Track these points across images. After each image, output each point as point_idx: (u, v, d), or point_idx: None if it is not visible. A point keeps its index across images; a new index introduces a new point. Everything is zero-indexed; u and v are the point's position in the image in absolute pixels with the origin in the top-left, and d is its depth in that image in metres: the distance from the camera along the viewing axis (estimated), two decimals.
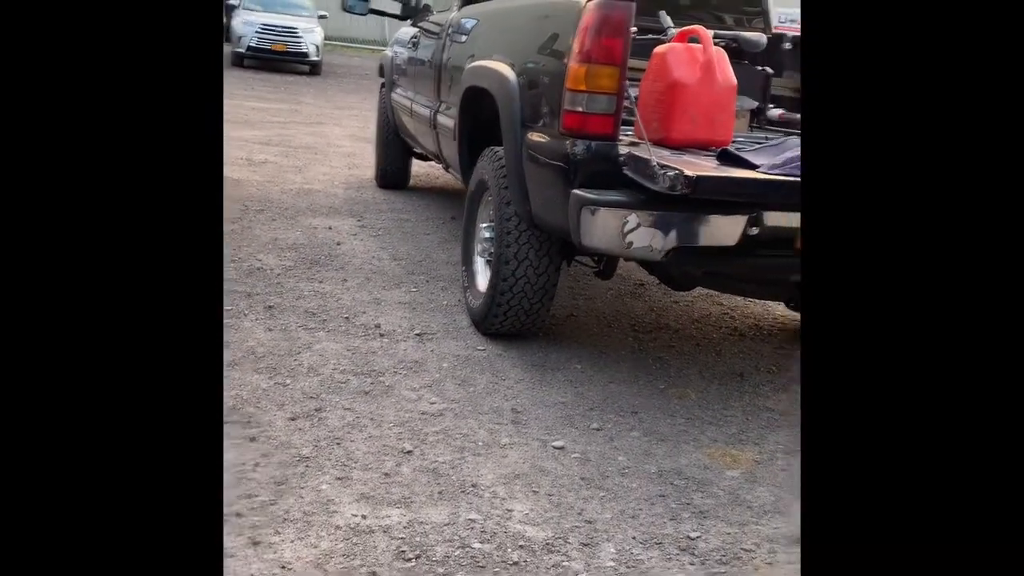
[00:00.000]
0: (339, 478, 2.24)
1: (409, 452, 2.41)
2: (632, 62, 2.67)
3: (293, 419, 2.53)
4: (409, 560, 1.94)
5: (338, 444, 2.41)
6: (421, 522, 2.08)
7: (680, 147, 2.78)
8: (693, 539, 2.12)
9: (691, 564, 2.02)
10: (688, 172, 2.21)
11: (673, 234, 2.50)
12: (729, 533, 2.16)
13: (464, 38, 3.89)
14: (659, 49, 2.79)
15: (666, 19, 3.25)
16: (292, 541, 1.95)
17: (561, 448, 2.52)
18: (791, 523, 2.18)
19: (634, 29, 2.55)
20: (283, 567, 1.87)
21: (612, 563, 2.00)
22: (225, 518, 1.97)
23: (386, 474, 2.28)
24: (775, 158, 2.61)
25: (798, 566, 1.82)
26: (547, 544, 2.05)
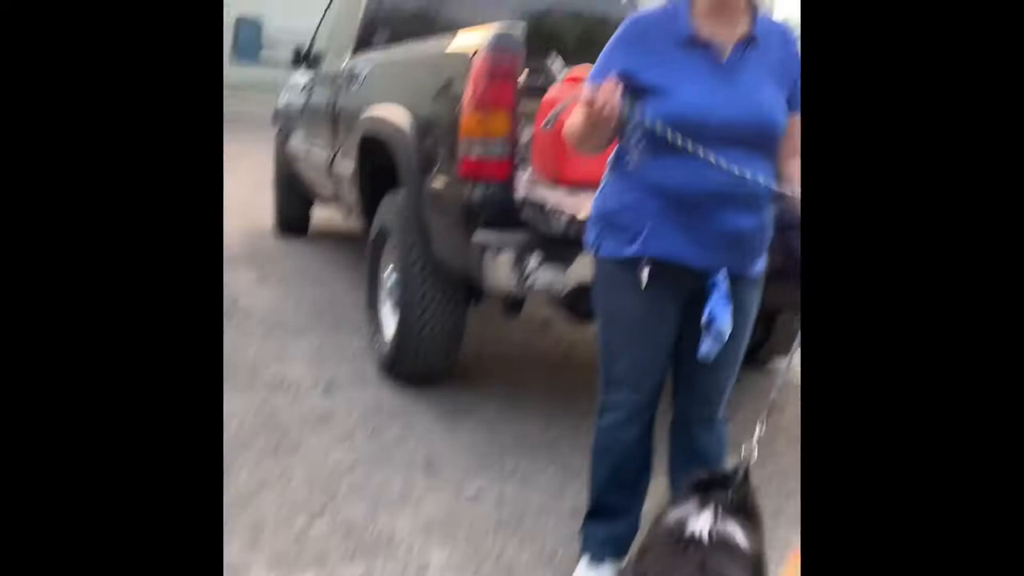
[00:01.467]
0: (249, 542, 2.16)
1: (321, 509, 2.35)
2: (527, 105, 2.74)
3: None
4: None
5: (246, 506, 2.33)
6: None
7: (577, 186, 2.85)
8: None
9: None
10: (579, 215, 2.27)
11: (574, 272, 2.55)
12: None
13: (359, 86, 3.90)
14: (550, 92, 2.87)
15: (556, 62, 3.35)
16: None
17: (476, 493, 2.51)
18: None
19: (523, 75, 2.61)
20: None
21: None
22: None
23: (298, 534, 2.22)
24: None
25: None
26: None
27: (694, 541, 1.52)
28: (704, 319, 1.79)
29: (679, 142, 1.69)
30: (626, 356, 1.91)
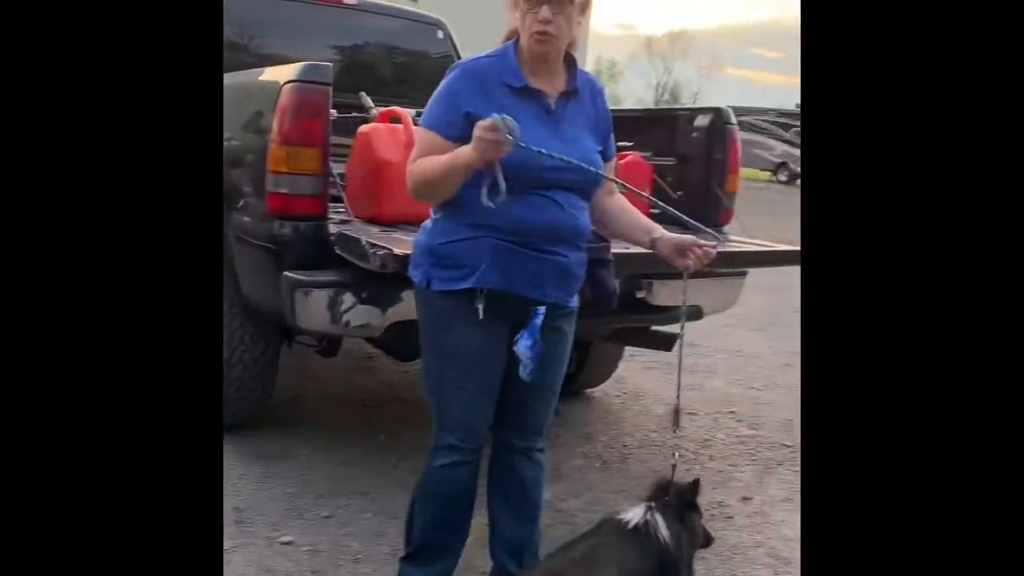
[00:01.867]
0: None
1: None
2: (339, 139, 2.68)
3: None
4: None
5: None
6: None
7: (391, 223, 2.82)
8: None
9: None
10: (396, 250, 2.24)
11: (391, 310, 2.51)
12: None
13: None
14: (363, 129, 2.83)
15: (366, 99, 3.32)
16: None
17: (290, 543, 2.39)
18: None
19: (334, 112, 2.57)
20: None
21: None
22: None
23: None
24: None
25: None
26: None
27: (619, 526, 1.81)
28: (516, 348, 1.85)
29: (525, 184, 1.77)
30: (462, 393, 1.90)
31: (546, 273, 1.84)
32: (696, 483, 1.93)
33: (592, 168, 1.84)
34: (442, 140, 1.80)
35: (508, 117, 1.66)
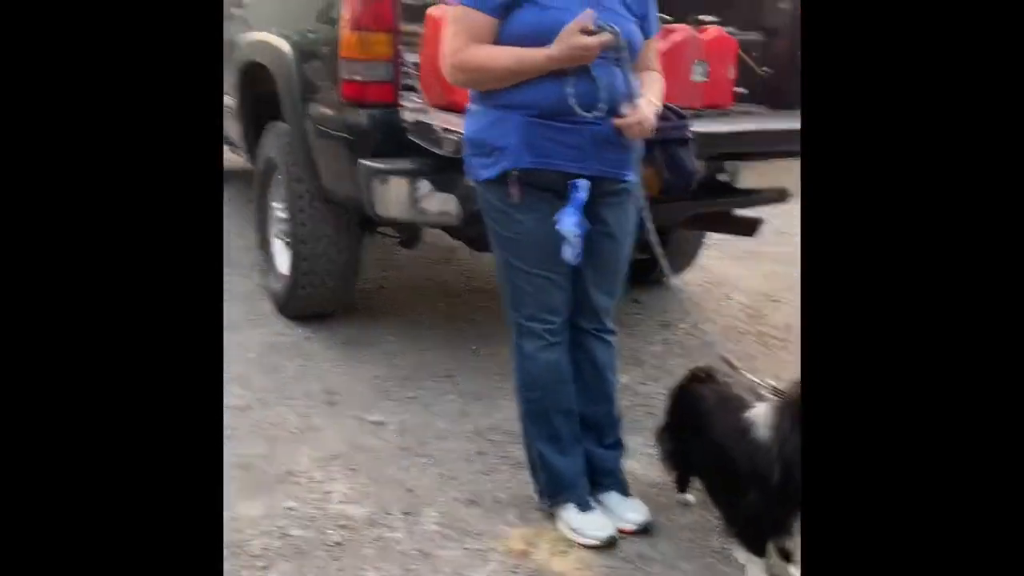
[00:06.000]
0: None
1: None
2: (411, 27, 2.64)
3: None
4: (225, 559, 1.86)
5: None
6: (235, 519, 2.00)
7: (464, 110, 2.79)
8: (513, 491, 2.18)
9: (512, 515, 2.08)
10: None
11: (466, 197, 2.52)
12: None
13: (237, 11, 3.68)
14: (432, 11, 2.77)
15: None
16: None
17: (378, 422, 2.51)
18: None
19: None
20: None
21: (436, 527, 2.03)
22: None
23: None
24: None
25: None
26: (369, 519, 2.04)
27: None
28: (557, 224, 1.81)
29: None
30: (530, 278, 1.90)
31: (584, 144, 1.79)
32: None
33: (631, 39, 1.81)
34: (485, 18, 1.76)
35: (609, 24, 1.68)
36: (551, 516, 2.03)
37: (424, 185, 2.50)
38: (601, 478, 2.07)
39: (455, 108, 2.78)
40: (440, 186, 2.52)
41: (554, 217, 1.81)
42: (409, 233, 3.19)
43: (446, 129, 2.41)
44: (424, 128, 2.49)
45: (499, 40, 1.78)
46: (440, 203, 2.53)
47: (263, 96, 3.24)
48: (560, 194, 1.83)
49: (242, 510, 2.04)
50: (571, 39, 1.69)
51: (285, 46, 2.95)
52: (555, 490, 2.02)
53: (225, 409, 2.52)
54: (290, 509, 2.05)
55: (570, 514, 1.99)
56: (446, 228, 3.10)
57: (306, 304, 3.14)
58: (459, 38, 1.79)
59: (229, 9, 3.80)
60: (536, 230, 1.85)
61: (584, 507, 1.99)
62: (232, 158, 6.12)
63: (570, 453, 2.00)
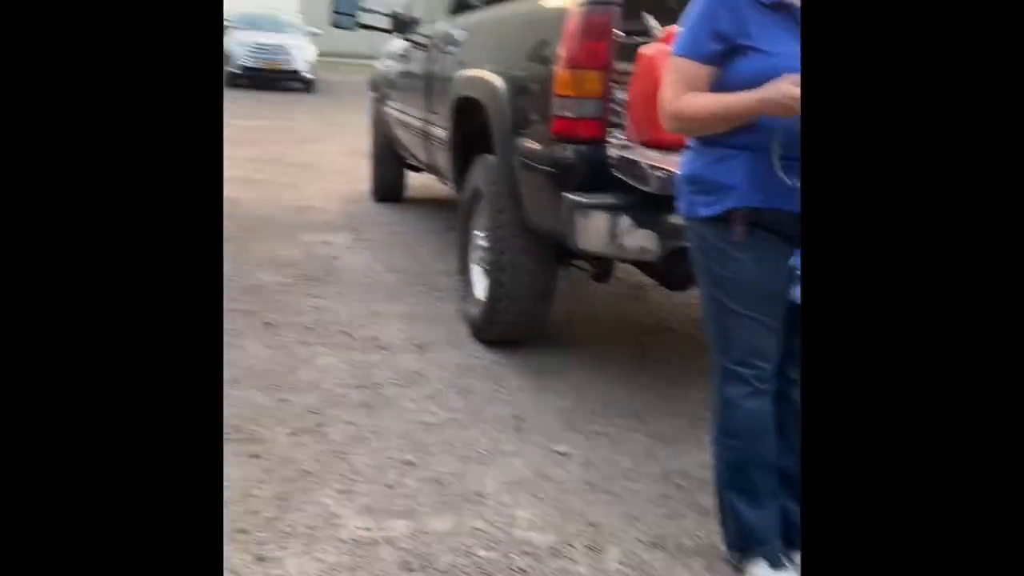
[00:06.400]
0: (342, 491, 2.23)
1: (412, 463, 2.40)
2: (621, 65, 2.68)
3: (294, 434, 2.53)
4: (414, 570, 1.93)
5: (340, 458, 2.41)
6: (425, 532, 2.07)
7: (671, 148, 2.78)
8: (699, 539, 2.11)
9: (697, 564, 2.02)
10: (676, 172, 2.21)
11: (668, 234, 2.50)
12: None
13: (453, 48, 3.90)
14: (644, 50, 2.79)
15: (650, 20, 3.25)
16: (297, 555, 1.95)
17: (564, 453, 2.52)
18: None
19: (619, 33, 2.56)
20: None
21: (618, 565, 2.00)
22: (230, 535, 1.97)
23: (389, 486, 2.28)
24: None
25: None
26: (552, 549, 2.04)
27: None
28: (792, 263, 1.78)
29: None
30: (744, 321, 1.84)
31: (794, 187, 1.73)
32: None
33: None
34: (698, 67, 1.77)
35: None
36: (739, 570, 1.94)
37: (625, 220, 2.51)
38: (796, 536, 1.95)
39: (662, 145, 2.79)
40: (641, 222, 2.52)
41: (790, 261, 1.78)
42: (602, 267, 3.21)
43: (652, 166, 2.41)
44: (630, 164, 2.51)
45: (725, 86, 1.77)
46: (640, 239, 2.52)
47: (474, 129, 3.40)
48: (782, 234, 1.78)
49: (432, 525, 2.11)
50: (791, 90, 1.65)
51: (499, 82, 3.08)
52: (745, 544, 1.93)
53: (419, 424, 2.64)
54: (477, 529, 2.11)
55: (760, 570, 1.89)
56: (641, 265, 3.09)
57: (500, 330, 3.23)
58: (676, 87, 1.81)
59: (445, 47, 4.03)
60: (754, 270, 1.81)
61: (776, 564, 1.89)
62: (438, 186, 6.48)
63: (765, 507, 1.91)
